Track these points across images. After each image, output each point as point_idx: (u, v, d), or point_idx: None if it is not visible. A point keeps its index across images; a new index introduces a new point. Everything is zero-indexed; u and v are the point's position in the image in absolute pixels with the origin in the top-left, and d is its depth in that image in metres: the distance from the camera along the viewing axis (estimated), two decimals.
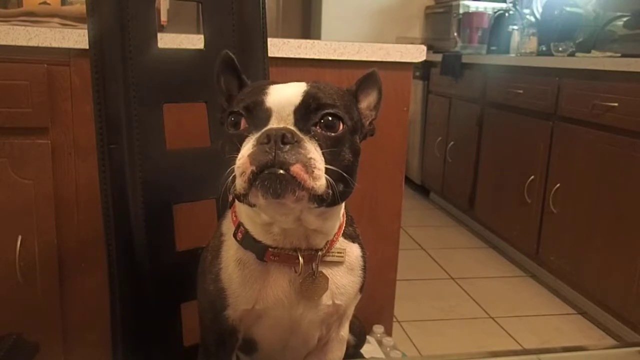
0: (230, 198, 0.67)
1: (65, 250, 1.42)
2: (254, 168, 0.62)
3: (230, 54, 0.80)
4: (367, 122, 0.80)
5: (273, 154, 0.62)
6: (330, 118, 0.68)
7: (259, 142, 0.63)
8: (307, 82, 0.71)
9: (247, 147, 0.64)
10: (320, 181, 0.63)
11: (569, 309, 2.41)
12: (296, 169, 0.62)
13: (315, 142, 0.66)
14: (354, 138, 0.72)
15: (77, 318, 1.46)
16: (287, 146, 0.63)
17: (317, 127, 0.67)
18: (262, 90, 0.69)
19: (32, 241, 1.39)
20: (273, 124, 0.66)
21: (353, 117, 0.72)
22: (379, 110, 0.81)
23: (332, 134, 0.67)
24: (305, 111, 0.67)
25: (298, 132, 0.65)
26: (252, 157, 0.63)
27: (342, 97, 0.73)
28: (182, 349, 1.03)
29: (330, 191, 0.65)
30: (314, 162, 0.63)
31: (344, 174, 0.68)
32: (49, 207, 1.38)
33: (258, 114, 0.67)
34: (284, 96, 0.68)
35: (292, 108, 0.67)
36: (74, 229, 1.42)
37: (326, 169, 0.65)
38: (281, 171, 0.62)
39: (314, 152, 0.64)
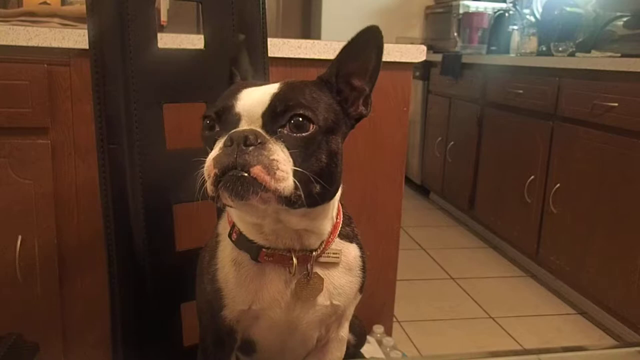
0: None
1: (65, 250, 1.42)
2: (216, 171, 0.63)
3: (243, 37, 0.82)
4: (360, 102, 0.76)
5: (234, 156, 0.62)
6: (300, 119, 0.67)
7: (224, 145, 0.64)
8: (281, 82, 0.71)
9: (215, 150, 0.65)
10: (284, 182, 0.63)
11: (569, 309, 2.41)
12: (256, 170, 0.62)
13: (281, 143, 0.65)
14: (331, 138, 0.70)
15: (77, 318, 1.46)
16: (250, 148, 0.63)
17: (285, 129, 0.66)
18: (233, 95, 0.70)
19: (32, 241, 1.38)
20: (243, 127, 0.66)
21: (328, 117, 0.71)
22: (377, 76, 0.74)
23: (302, 135, 0.66)
24: (273, 114, 0.66)
25: (264, 134, 0.65)
26: (216, 160, 0.63)
27: (315, 98, 0.71)
28: (182, 348, 1.03)
29: (299, 192, 0.64)
30: (276, 164, 0.63)
31: (314, 175, 0.66)
32: (49, 207, 1.38)
33: (228, 118, 0.68)
34: (252, 100, 0.68)
35: (261, 111, 0.66)
36: (74, 229, 1.42)
37: (295, 170, 0.64)
38: (243, 173, 0.62)
39: (278, 153, 0.64)
